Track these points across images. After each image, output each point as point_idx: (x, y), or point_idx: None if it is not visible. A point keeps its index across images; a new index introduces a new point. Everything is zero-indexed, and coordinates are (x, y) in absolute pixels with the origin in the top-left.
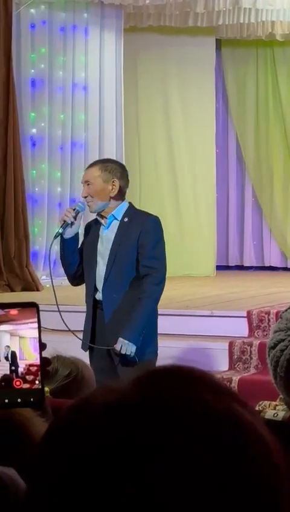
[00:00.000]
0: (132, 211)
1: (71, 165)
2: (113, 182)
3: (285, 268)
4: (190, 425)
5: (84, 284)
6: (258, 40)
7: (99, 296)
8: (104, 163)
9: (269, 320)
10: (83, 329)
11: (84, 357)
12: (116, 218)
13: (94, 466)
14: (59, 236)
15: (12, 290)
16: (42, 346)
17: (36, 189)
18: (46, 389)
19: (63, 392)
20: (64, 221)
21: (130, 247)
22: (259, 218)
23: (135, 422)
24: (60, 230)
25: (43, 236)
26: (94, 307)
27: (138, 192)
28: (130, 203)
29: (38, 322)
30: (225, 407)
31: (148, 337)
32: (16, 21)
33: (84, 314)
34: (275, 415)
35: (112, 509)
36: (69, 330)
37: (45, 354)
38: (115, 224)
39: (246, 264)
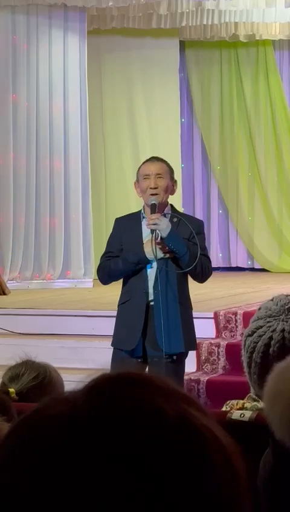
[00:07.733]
0: (176, 211)
1: (37, 165)
2: (174, 181)
3: (252, 269)
4: (140, 433)
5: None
6: (222, 41)
7: (149, 297)
8: (166, 162)
9: (236, 321)
10: (114, 329)
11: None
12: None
13: (45, 479)
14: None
15: None
16: None
17: None
18: (12, 390)
19: (30, 394)
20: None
21: None
22: (225, 220)
23: (85, 434)
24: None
25: (9, 240)
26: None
27: (104, 195)
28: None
29: None
30: (176, 410)
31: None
32: None
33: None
34: (242, 415)
35: None
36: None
37: (15, 358)
38: None
39: (212, 265)
